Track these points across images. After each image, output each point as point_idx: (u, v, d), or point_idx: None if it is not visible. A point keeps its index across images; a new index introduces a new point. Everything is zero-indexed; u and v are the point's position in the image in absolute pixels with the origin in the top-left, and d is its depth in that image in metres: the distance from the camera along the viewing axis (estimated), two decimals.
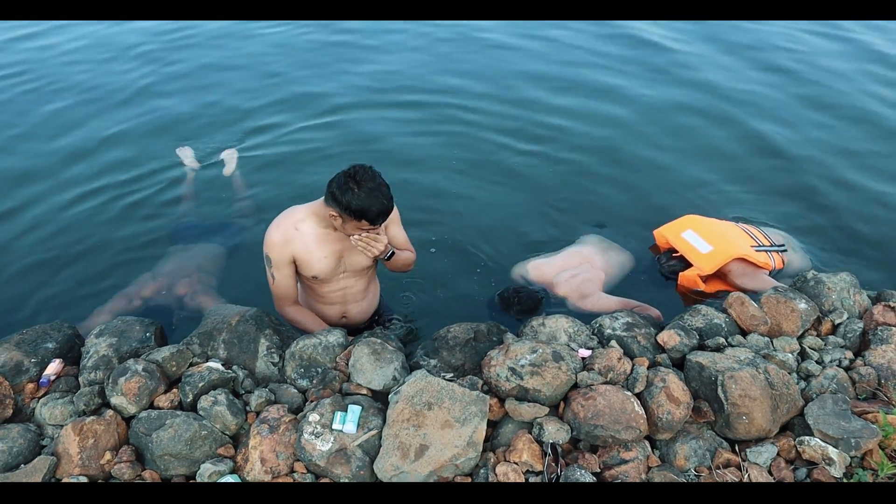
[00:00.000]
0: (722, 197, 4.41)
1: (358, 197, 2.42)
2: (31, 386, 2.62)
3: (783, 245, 3.66)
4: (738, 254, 3.39)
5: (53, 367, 2.66)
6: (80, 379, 2.63)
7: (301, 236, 2.68)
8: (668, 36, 6.63)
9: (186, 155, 4.53)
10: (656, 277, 3.66)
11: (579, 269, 3.50)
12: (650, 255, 3.79)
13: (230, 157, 4.53)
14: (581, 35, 6.60)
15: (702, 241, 3.46)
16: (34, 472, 2.27)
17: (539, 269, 3.56)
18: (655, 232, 3.74)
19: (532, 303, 3.29)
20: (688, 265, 3.47)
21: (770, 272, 3.49)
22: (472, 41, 6.51)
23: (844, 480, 2.32)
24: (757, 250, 3.48)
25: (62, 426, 2.42)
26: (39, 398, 2.59)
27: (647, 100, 5.51)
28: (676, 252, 3.55)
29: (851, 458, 2.38)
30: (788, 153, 4.86)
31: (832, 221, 4.22)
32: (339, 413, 2.38)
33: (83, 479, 2.29)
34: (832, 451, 2.35)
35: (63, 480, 2.29)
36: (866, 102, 5.52)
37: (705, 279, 3.43)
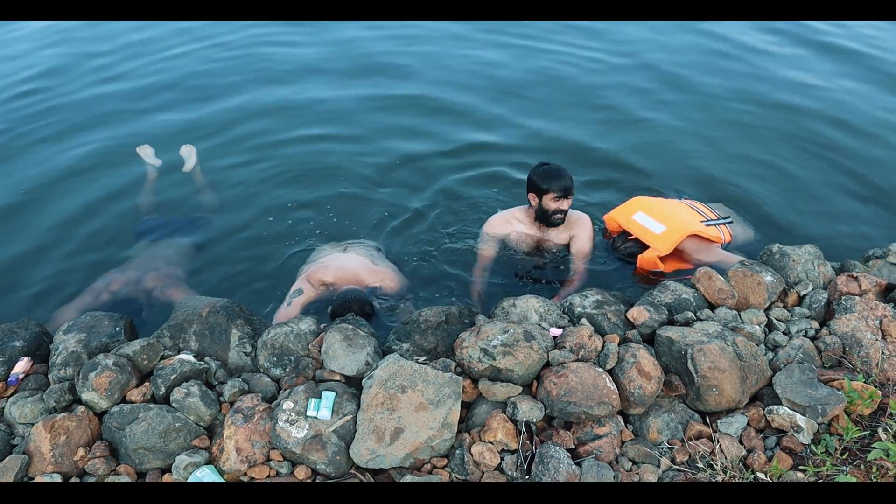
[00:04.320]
0: (667, 176, 4.52)
1: None
2: None
3: (729, 217, 3.73)
4: (691, 230, 3.44)
5: (22, 365, 2.62)
6: (49, 376, 2.60)
7: None
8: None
9: (147, 154, 4.46)
10: (613, 259, 3.68)
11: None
12: (603, 239, 3.80)
13: (189, 153, 4.47)
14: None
15: (653, 221, 3.49)
16: (6, 472, 2.25)
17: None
18: (606, 217, 3.76)
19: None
20: (643, 247, 3.50)
21: (721, 245, 3.55)
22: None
23: (813, 448, 2.37)
24: (707, 225, 3.54)
25: (33, 424, 2.39)
26: (8, 397, 2.55)
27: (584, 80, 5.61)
28: (630, 235, 3.58)
29: (819, 424, 2.44)
30: (738, 124, 5.04)
31: (784, 193, 4.35)
32: (313, 400, 2.38)
33: (57, 477, 2.27)
34: (800, 419, 2.40)
35: (36, 478, 2.26)
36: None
37: (663, 259, 3.47)
